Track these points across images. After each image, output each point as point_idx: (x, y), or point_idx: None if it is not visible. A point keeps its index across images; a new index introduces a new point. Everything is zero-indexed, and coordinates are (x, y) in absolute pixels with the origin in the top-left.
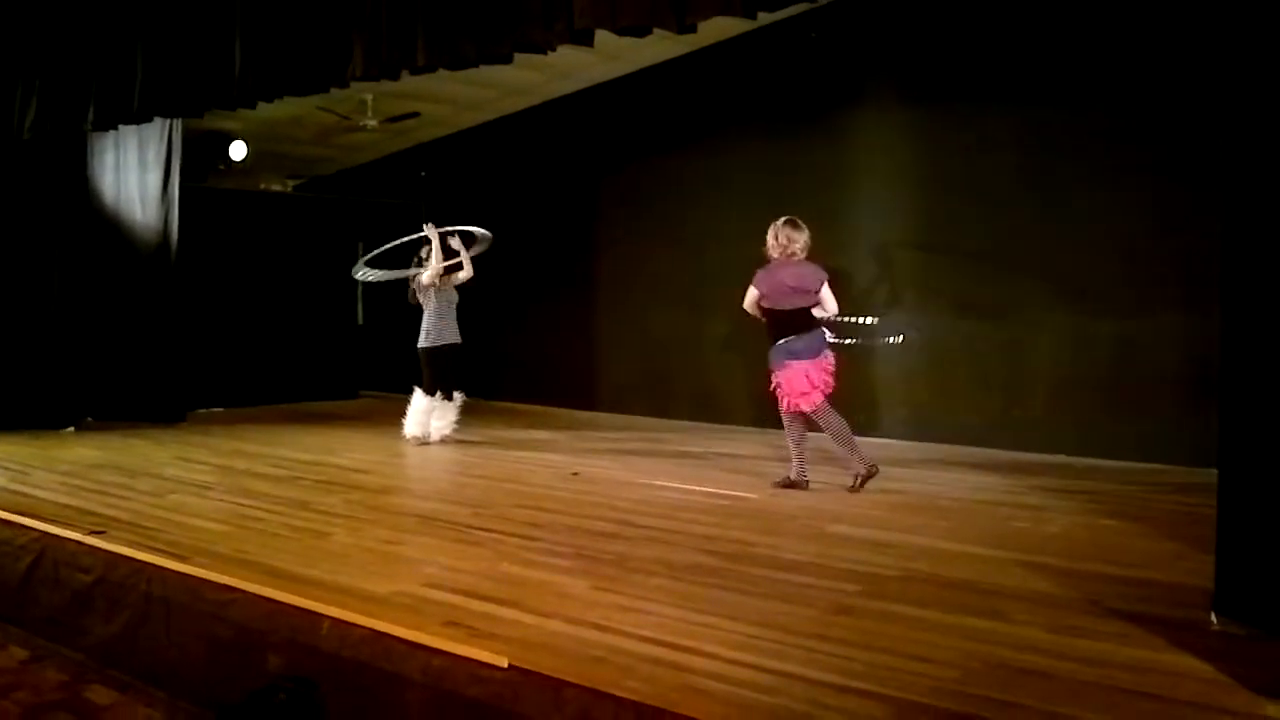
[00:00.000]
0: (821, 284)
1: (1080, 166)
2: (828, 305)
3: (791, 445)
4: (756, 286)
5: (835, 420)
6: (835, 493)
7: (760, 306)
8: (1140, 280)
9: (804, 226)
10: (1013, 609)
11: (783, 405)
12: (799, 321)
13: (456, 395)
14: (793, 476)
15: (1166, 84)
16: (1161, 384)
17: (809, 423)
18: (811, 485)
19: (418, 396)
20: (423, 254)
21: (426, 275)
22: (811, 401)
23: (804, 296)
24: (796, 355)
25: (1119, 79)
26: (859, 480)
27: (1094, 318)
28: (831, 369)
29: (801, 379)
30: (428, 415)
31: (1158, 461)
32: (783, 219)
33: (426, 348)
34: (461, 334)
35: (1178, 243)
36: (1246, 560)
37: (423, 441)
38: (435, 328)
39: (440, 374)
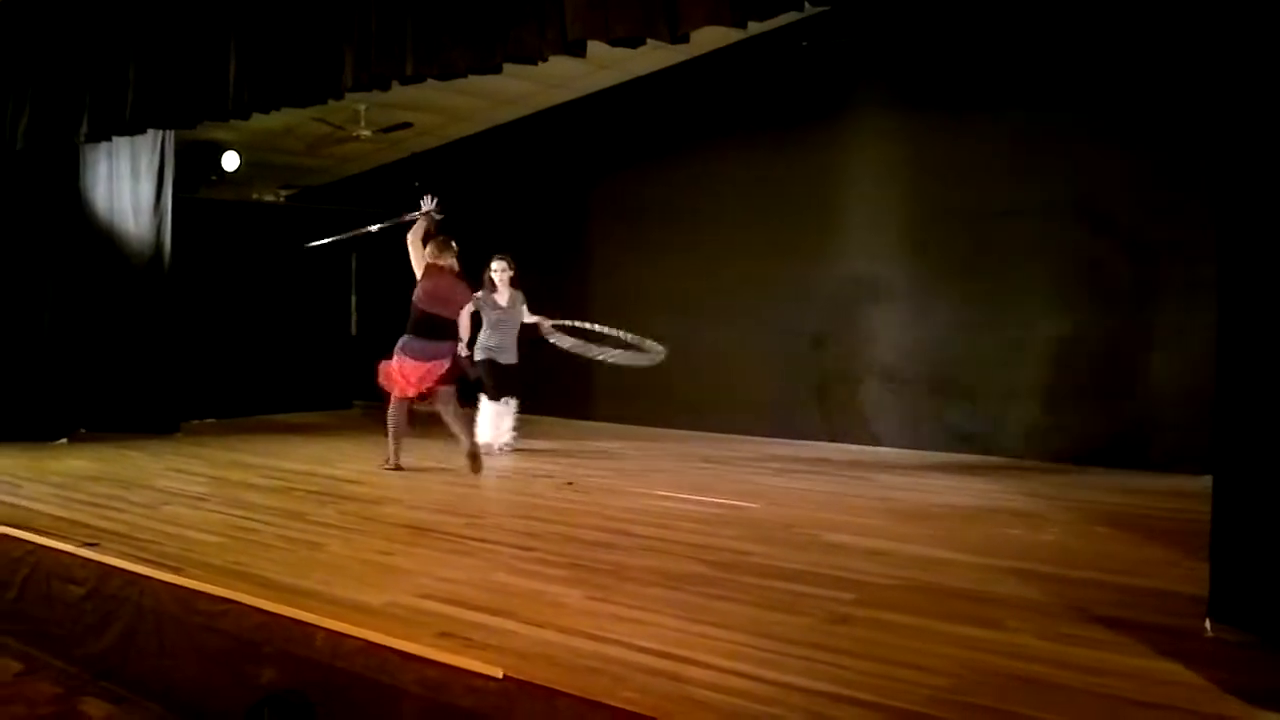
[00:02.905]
0: (462, 308)
1: (1077, 170)
2: (462, 329)
3: (390, 428)
4: (424, 275)
5: (400, 417)
6: (830, 500)
7: (415, 302)
8: (1142, 282)
9: (453, 247)
10: (1008, 617)
11: (382, 383)
12: (436, 327)
13: (512, 402)
14: (391, 460)
15: (1151, 89)
16: (1157, 390)
17: (414, 414)
18: (787, 491)
19: (484, 403)
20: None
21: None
22: (393, 387)
23: (449, 309)
24: (411, 354)
25: (1105, 85)
26: (388, 465)
27: (1092, 323)
28: (433, 377)
29: (398, 370)
30: (499, 420)
31: (1152, 469)
32: (439, 237)
33: (483, 360)
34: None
35: (1177, 242)
36: (1241, 567)
37: (494, 449)
38: (484, 344)
39: (502, 381)
